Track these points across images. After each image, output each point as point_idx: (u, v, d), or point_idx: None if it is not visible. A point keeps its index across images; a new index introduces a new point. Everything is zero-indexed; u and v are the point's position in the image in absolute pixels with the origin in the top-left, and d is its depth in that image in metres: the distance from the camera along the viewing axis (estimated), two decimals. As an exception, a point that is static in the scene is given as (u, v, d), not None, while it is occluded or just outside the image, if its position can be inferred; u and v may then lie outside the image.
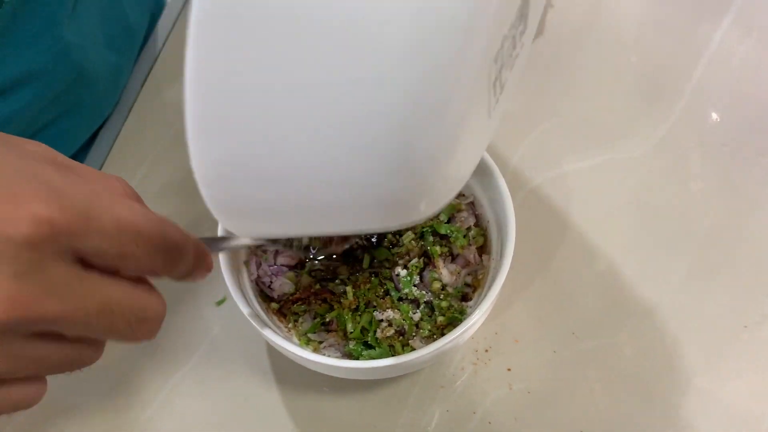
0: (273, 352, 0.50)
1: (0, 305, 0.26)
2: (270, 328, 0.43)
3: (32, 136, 0.55)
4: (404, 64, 0.27)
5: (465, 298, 0.47)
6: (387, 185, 0.30)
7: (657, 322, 0.50)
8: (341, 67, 0.27)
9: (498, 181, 0.45)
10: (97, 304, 0.28)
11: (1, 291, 0.26)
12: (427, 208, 0.32)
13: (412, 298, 0.46)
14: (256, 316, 0.43)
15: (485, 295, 0.43)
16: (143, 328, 0.30)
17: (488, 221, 0.47)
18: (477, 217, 0.48)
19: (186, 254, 0.31)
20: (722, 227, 0.54)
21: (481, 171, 0.47)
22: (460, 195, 0.48)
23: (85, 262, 0.28)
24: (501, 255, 0.44)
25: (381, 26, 0.26)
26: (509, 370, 0.49)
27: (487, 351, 0.49)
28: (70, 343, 0.29)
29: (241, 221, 0.35)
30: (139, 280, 0.30)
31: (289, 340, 0.44)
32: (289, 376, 0.50)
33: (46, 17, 0.50)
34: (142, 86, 0.63)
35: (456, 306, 0.47)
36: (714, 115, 0.59)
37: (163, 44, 0.65)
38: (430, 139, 0.29)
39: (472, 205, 0.49)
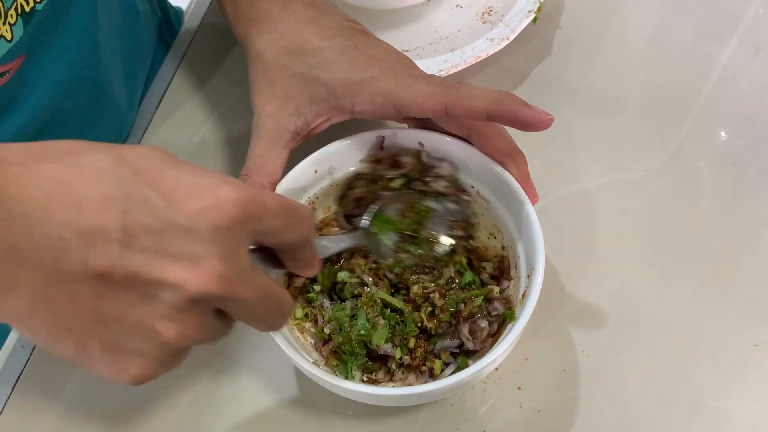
0: (299, 373, 0.51)
1: (211, 280, 0.30)
2: (296, 350, 0.44)
3: None
4: None
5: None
6: None
7: (667, 341, 0.50)
8: None
9: (534, 228, 0.45)
10: (262, 292, 0.33)
11: (213, 269, 0.30)
12: None
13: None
14: (285, 340, 0.44)
15: (510, 331, 0.43)
16: (279, 320, 0.36)
17: (518, 256, 0.47)
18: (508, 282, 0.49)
19: (311, 218, 0.38)
20: (731, 246, 0.54)
21: (517, 212, 0.47)
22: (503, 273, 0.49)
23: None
24: (525, 299, 0.44)
25: None
26: (519, 388, 0.49)
27: (497, 369, 0.49)
28: (222, 320, 0.34)
29: None
30: None
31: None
32: (310, 395, 0.50)
33: (79, 29, 0.51)
34: (156, 108, 0.64)
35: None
36: (722, 134, 0.59)
37: (176, 68, 0.66)
38: None
39: (505, 298, 0.49)
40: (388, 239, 0.47)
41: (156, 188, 0.30)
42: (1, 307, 0.30)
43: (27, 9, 0.46)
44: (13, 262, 0.29)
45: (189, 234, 0.30)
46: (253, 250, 0.36)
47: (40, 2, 0.47)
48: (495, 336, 0.47)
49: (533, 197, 0.46)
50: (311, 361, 0.44)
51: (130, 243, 0.29)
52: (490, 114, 0.44)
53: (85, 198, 0.29)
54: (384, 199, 0.49)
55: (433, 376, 0.47)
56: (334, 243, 0.46)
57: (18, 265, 0.29)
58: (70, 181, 0.30)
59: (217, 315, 0.33)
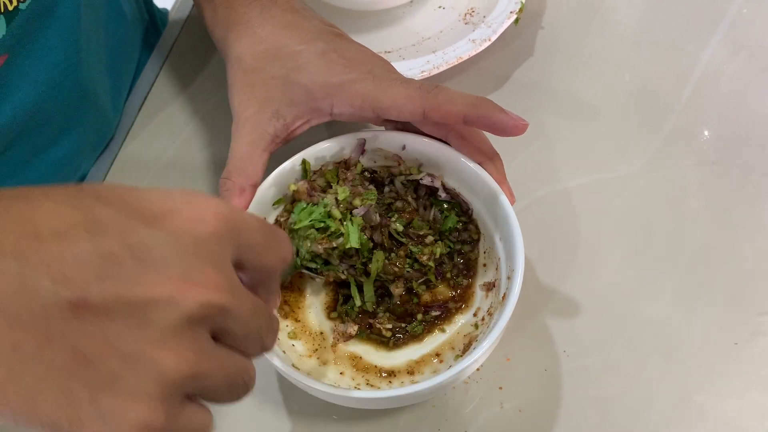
0: (281, 377, 0.51)
1: (206, 290, 0.27)
2: (274, 352, 0.44)
3: (38, 154, 0.55)
4: None
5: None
6: None
7: (648, 340, 0.50)
8: None
9: (514, 229, 0.45)
10: (254, 305, 0.30)
11: (206, 278, 0.27)
12: None
13: None
14: None
15: (490, 331, 0.43)
16: (271, 337, 0.32)
17: (498, 258, 0.48)
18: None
19: (289, 241, 0.34)
20: (713, 244, 0.54)
21: (496, 213, 0.47)
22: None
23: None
24: (506, 300, 0.44)
25: None
26: (501, 388, 0.49)
27: (478, 369, 0.49)
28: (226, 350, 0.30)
29: None
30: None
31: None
32: (292, 398, 0.50)
33: (62, 30, 0.51)
34: (139, 109, 0.64)
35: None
36: (704, 134, 0.60)
37: (160, 70, 0.66)
38: None
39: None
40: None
41: (125, 207, 0.27)
42: None
43: (10, 8, 0.46)
44: None
45: (172, 247, 0.27)
46: None
47: (23, 1, 0.47)
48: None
49: (510, 198, 0.46)
50: (290, 363, 0.44)
51: (105, 264, 0.26)
52: (467, 119, 0.44)
53: (42, 226, 0.26)
54: None
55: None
56: None
57: None
58: (21, 213, 0.26)
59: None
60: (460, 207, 0.50)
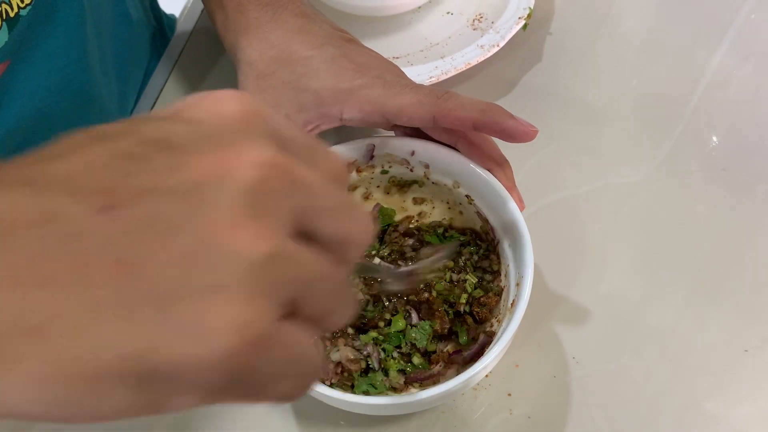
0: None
1: (271, 158, 0.22)
2: None
3: None
4: None
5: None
6: None
7: (658, 347, 0.50)
8: None
9: (523, 235, 0.45)
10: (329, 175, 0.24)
11: (267, 148, 0.22)
12: None
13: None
14: None
15: (500, 338, 0.43)
16: (348, 312, 0.25)
17: (507, 265, 0.47)
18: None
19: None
20: (721, 251, 0.54)
21: (505, 220, 0.47)
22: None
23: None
24: (514, 307, 0.43)
25: None
26: (509, 395, 0.49)
27: (487, 376, 0.49)
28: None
29: None
30: None
31: None
32: (301, 403, 0.50)
33: (65, 35, 0.51)
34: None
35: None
36: (713, 140, 0.60)
37: (169, 75, 0.66)
38: None
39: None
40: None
41: (134, 118, 0.24)
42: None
43: (11, 14, 0.46)
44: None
45: (197, 129, 0.23)
46: None
47: (24, 8, 0.47)
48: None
49: (520, 204, 0.46)
50: None
51: (127, 162, 0.21)
52: (476, 124, 0.44)
53: (45, 150, 0.23)
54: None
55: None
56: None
57: None
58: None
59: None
60: (486, 234, 0.49)
